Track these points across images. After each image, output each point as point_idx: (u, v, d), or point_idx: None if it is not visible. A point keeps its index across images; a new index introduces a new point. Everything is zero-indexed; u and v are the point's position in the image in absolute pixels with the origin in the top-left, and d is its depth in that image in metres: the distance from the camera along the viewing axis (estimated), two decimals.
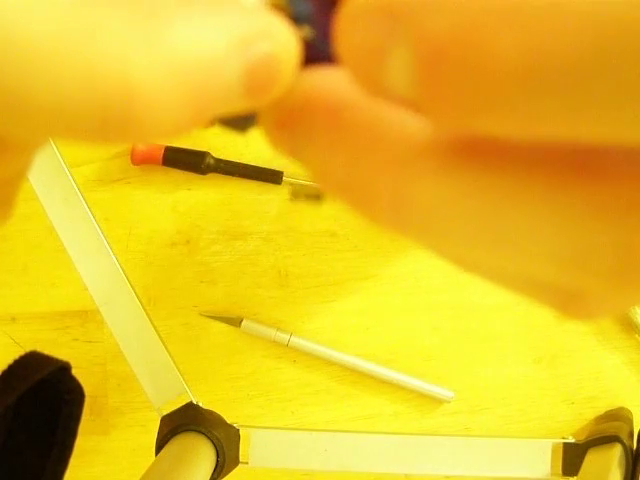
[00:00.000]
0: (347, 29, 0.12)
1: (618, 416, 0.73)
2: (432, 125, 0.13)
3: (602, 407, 0.76)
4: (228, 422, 0.67)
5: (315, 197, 0.18)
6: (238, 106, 0.14)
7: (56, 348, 0.75)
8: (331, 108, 0.14)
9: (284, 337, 0.73)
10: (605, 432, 0.68)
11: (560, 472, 0.68)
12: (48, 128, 0.12)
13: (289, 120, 0.15)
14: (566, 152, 0.12)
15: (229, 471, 0.65)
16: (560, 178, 0.12)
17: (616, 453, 0.63)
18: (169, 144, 0.73)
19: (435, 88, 0.11)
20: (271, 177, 0.74)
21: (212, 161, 0.73)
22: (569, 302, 0.15)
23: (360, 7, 0.12)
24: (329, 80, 0.15)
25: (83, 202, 0.67)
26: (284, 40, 0.14)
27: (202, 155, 0.73)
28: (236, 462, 0.66)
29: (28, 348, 0.45)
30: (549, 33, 0.10)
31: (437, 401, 0.76)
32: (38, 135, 0.14)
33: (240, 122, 0.17)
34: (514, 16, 0.10)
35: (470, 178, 0.12)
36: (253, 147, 0.74)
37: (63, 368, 0.45)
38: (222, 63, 0.13)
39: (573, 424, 0.76)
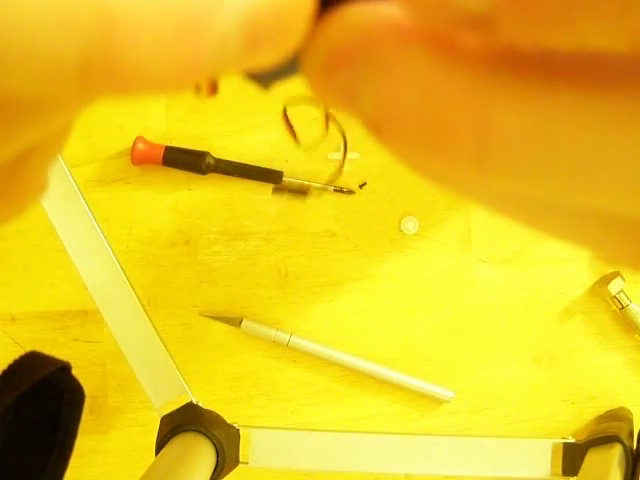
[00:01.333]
0: None
1: (618, 416, 0.73)
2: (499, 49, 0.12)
3: (602, 407, 0.76)
4: (228, 422, 0.67)
5: (299, 192, 0.16)
6: (239, 62, 0.12)
7: (56, 348, 0.75)
8: (399, 35, 0.12)
9: (284, 337, 0.73)
10: (605, 432, 0.68)
11: (560, 472, 0.68)
12: (23, 82, 0.11)
13: (344, 58, 0.13)
14: None
15: (229, 471, 0.65)
16: None
17: (616, 453, 0.63)
18: (169, 144, 0.73)
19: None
20: (271, 177, 0.74)
21: (212, 161, 0.73)
22: None
23: None
24: (383, 10, 0.13)
25: (83, 202, 0.67)
26: None
27: (202, 155, 0.73)
28: (236, 462, 0.66)
29: (28, 348, 0.45)
30: None
31: (437, 401, 0.76)
32: (9, 93, 0.11)
33: (266, 74, 0.14)
34: None
35: (554, 103, 0.11)
36: (253, 147, 0.74)
37: (63, 368, 0.45)
38: (214, 9, 0.11)
39: (573, 424, 0.76)
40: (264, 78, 0.14)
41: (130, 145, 0.72)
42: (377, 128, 0.13)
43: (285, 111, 0.15)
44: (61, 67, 0.11)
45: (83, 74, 0.11)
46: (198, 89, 0.15)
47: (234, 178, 0.74)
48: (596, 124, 0.11)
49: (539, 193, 0.12)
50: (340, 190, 0.75)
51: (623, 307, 0.73)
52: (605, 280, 0.74)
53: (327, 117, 0.17)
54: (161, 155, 0.72)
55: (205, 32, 0.11)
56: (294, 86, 0.16)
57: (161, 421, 0.65)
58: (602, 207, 0.12)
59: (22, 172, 0.15)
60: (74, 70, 0.11)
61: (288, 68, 0.14)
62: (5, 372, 0.42)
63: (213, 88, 0.15)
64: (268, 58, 0.13)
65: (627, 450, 0.64)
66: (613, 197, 0.12)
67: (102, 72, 0.11)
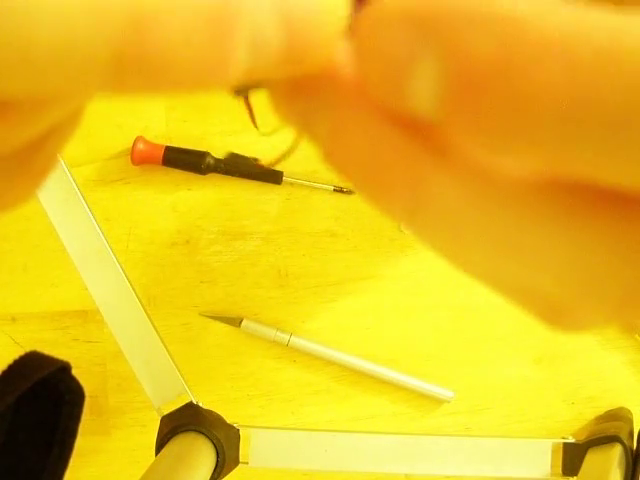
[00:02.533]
0: (372, 33, 0.11)
1: (618, 416, 0.73)
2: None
3: (602, 407, 0.76)
4: (228, 422, 0.67)
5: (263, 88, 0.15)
6: (278, 66, 0.12)
7: (56, 348, 0.75)
8: (356, 84, 0.13)
9: (284, 337, 0.73)
10: (605, 432, 0.68)
11: (560, 472, 0.68)
12: (55, 78, 0.11)
13: (304, 89, 0.13)
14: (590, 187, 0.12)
15: (229, 471, 0.65)
16: (583, 206, 0.12)
17: (616, 453, 0.63)
18: (169, 144, 0.73)
19: (465, 109, 0.11)
20: (271, 177, 0.74)
21: (212, 161, 0.73)
22: (559, 315, 0.14)
23: (388, 11, 0.11)
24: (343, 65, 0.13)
25: (83, 202, 0.67)
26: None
27: (202, 155, 0.73)
28: (236, 462, 0.66)
29: (28, 348, 0.45)
30: (602, 76, 0.10)
31: (437, 401, 0.76)
32: (43, 91, 0.11)
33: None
34: (564, 51, 0.10)
35: (490, 193, 0.12)
36: (253, 147, 0.74)
37: (63, 368, 0.45)
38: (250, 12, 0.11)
39: (573, 424, 0.76)
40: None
41: (130, 145, 0.72)
42: (328, 158, 0.13)
43: (247, 97, 0.15)
44: (93, 64, 0.10)
45: (115, 69, 0.11)
46: (237, 92, 0.15)
47: (234, 178, 0.74)
48: (515, 222, 0.12)
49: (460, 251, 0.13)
50: (340, 190, 0.75)
51: None
52: None
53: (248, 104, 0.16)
54: (161, 155, 0.72)
55: (236, 22, 0.11)
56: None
57: (161, 421, 0.65)
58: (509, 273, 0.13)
59: (41, 152, 0.15)
60: (107, 66, 0.11)
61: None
62: (5, 372, 0.42)
63: (240, 89, 0.14)
64: (304, 67, 0.12)
65: (627, 450, 0.64)
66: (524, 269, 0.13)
67: (134, 67, 0.11)
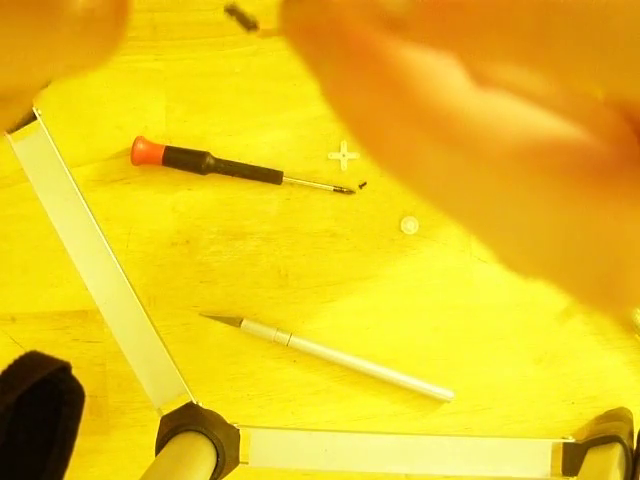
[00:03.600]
0: None
1: (618, 416, 0.73)
2: None
3: (602, 407, 0.76)
4: (228, 422, 0.67)
5: (247, 24, 0.15)
6: None
7: (56, 348, 0.75)
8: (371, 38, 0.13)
9: (284, 337, 0.73)
10: (605, 432, 0.68)
11: (560, 472, 0.68)
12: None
13: (316, 34, 0.14)
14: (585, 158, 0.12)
15: (229, 471, 0.65)
16: (572, 185, 0.12)
17: (616, 453, 0.63)
18: (169, 144, 0.73)
19: (435, 10, 0.11)
20: (271, 177, 0.74)
21: (212, 161, 0.73)
22: (602, 285, 0.14)
23: None
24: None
25: (83, 202, 0.67)
26: None
27: (202, 155, 0.73)
28: (236, 462, 0.66)
29: (28, 348, 0.45)
30: None
31: (437, 401, 0.76)
32: None
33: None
34: None
35: (481, 167, 0.13)
36: (253, 147, 0.74)
37: (63, 368, 0.45)
38: None
39: (573, 424, 0.76)
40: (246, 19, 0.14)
41: (130, 145, 0.72)
42: (328, 98, 0.13)
43: (236, 13, 0.15)
44: None
45: None
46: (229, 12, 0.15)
47: (234, 178, 0.74)
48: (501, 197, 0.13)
49: None
50: (340, 190, 0.75)
51: None
52: None
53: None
54: (161, 155, 0.72)
55: None
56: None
57: (161, 421, 0.65)
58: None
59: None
60: None
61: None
62: (5, 372, 0.42)
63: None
64: None
65: (627, 450, 0.64)
66: None
67: None
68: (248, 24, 0.15)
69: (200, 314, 0.75)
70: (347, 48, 0.13)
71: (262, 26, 0.15)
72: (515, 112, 0.13)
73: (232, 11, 0.15)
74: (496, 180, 0.12)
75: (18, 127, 0.65)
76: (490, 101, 0.13)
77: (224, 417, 0.67)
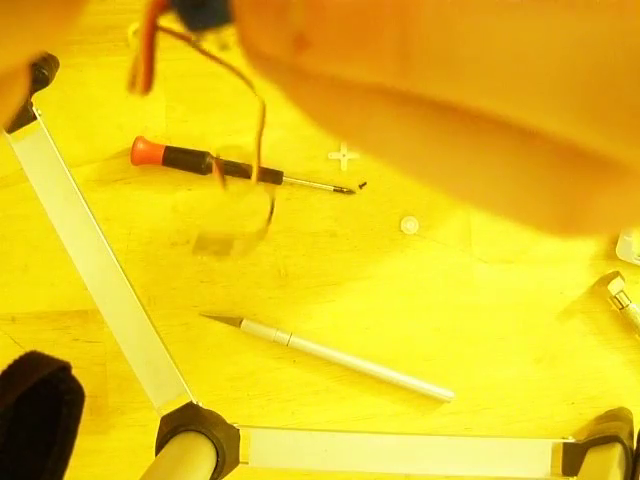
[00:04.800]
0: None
1: (618, 416, 0.73)
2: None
3: (602, 407, 0.76)
4: (228, 422, 0.67)
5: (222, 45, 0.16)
6: None
7: (56, 348, 0.75)
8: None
9: (284, 337, 0.73)
10: (605, 432, 0.68)
11: (560, 472, 0.68)
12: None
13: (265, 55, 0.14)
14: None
15: (229, 471, 0.65)
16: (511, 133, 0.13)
17: (616, 453, 0.63)
18: (169, 144, 0.73)
19: (314, 27, 0.13)
20: (271, 177, 0.74)
21: (212, 161, 0.73)
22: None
23: None
24: None
25: (83, 202, 0.67)
26: None
27: (202, 155, 0.73)
28: (236, 462, 0.66)
29: (28, 348, 0.45)
30: None
31: (437, 401, 0.76)
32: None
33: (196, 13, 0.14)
34: None
35: (422, 128, 0.13)
36: (253, 147, 0.74)
37: (63, 368, 0.45)
38: None
39: (573, 424, 0.76)
40: (193, 18, 0.14)
41: (130, 145, 0.72)
42: (302, 44, 0.13)
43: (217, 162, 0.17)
44: None
45: None
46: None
47: (234, 178, 0.74)
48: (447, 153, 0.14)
49: (456, 98, 0.13)
50: (340, 190, 0.75)
51: (623, 307, 0.73)
52: (605, 280, 0.74)
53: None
54: (161, 155, 0.72)
55: None
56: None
57: (161, 421, 0.65)
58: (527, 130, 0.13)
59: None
60: None
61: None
62: (5, 372, 0.42)
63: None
64: None
65: (627, 450, 0.64)
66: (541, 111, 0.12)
67: None
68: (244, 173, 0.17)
69: (200, 314, 0.75)
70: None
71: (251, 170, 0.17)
72: None
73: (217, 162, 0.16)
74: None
75: (19, 127, 0.65)
76: None
77: (224, 417, 0.67)
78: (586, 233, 0.14)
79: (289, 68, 0.14)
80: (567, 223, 0.14)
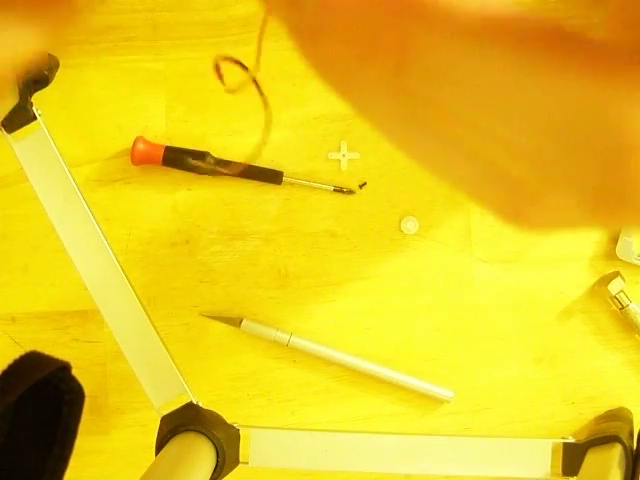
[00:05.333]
0: None
1: (618, 416, 0.73)
2: None
3: (602, 407, 0.76)
4: (228, 422, 0.67)
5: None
6: None
7: (56, 348, 0.75)
8: None
9: (284, 337, 0.73)
10: (605, 432, 0.68)
11: (560, 472, 0.68)
12: None
13: None
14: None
15: (229, 471, 0.65)
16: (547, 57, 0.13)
17: (616, 453, 0.63)
18: (169, 144, 0.73)
19: None
20: (271, 177, 0.74)
21: (212, 161, 0.73)
22: (524, 204, 0.14)
23: None
24: None
25: (83, 202, 0.67)
26: None
27: (202, 155, 0.73)
28: (236, 462, 0.66)
29: (28, 348, 0.45)
30: None
31: (437, 401, 0.76)
32: None
33: None
34: None
35: (473, 49, 0.13)
36: (253, 147, 0.74)
37: (63, 368, 0.45)
38: None
39: (573, 424, 0.76)
40: None
41: (130, 145, 0.72)
42: (314, 33, 0.14)
43: (217, 64, 0.17)
44: None
45: None
46: None
47: (234, 178, 0.74)
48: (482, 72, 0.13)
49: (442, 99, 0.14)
50: (340, 190, 0.75)
51: (623, 307, 0.73)
52: (605, 280, 0.74)
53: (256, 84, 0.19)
54: (161, 155, 0.72)
55: None
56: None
57: (161, 421, 0.65)
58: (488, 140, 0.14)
59: None
60: None
61: None
62: (5, 372, 0.42)
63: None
64: None
65: (627, 450, 0.64)
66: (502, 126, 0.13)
67: None
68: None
69: (200, 314, 0.75)
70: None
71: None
72: None
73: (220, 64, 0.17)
74: (469, 49, 0.13)
75: (19, 127, 0.65)
76: None
77: (224, 417, 0.67)
78: (537, 227, 0.14)
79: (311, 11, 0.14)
80: (517, 213, 0.14)
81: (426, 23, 0.13)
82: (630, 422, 0.71)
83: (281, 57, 0.73)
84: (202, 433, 0.62)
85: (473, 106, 0.13)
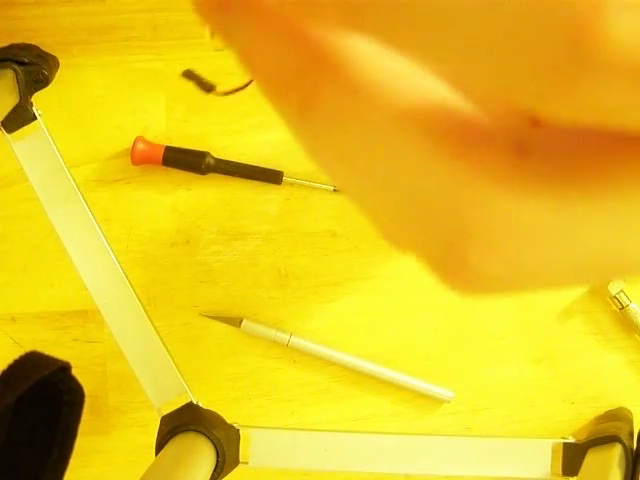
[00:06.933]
0: None
1: (618, 416, 0.73)
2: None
3: (602, 407, 0.76)
4: (228, 422, 0.67)
5: (204, 86, 0.19)
6: None
7: (56, 348, 0.75)
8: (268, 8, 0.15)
9: (284, 337, 0.73)
10: (605, 432, 0.68)
11: (560, 472, 0.68)
12: None
13: (223, 4, 0.16)
14: None
15: (229, 471, 0.65)
16: None
17: (616, 453, 0.63)
18: (169, 144, 0.73)
19: None
20: (271, 177, 0.74)
21: (212, 161, 0.73)
22: (447, 254, 0.15)
23: None
24: None
25: (83, 202, 0.67)
26: None
27: (202, 155, 0.73)
28: (236, 462, 0.66)
29: (28, 348, 0.45)
30: None
31: (437, 401, 0.76)
32: None
33: None
34: None
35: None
36: (253, 147, 0.74)
37: (63, 368, 0.45)
38: None
39: (573, 424, 0.76)
40: None
41: (130, 145, 0.72)
42: (242, 62, 0.16)
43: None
44: None
45: None
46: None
47: (234, 178, 0.74)
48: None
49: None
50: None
51: (623, 307, 0.73)
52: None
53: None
54: (161, 155, 0.72)
55: None
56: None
57: (161, 421, 0.65)
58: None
59: None
60: None
61: None
62: (5, 372, 0.42)
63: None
64: None
65: (627, 450, 0.64)
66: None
67: None
68: (206, 86, 0.18)
69: (200, 314, 0.75)
70: (257, 15, 0.15)
71: (219, 88, 0.18)
72: (416, 77, 0.14)
73: (190, 75, 0.18)
74: (384, 131, 0.14)
75: (19, 127, 0.65)
76: (396, 61, 0.14)
77: (224, 417, 0.67)
78: (475, 287, 0.16)
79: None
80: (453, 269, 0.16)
81: (340, 82, 0.14)
82: (630, 422, 0.71)
83: None
84: (202, 433, 0.62)
85: (354, 173, 0.15)
